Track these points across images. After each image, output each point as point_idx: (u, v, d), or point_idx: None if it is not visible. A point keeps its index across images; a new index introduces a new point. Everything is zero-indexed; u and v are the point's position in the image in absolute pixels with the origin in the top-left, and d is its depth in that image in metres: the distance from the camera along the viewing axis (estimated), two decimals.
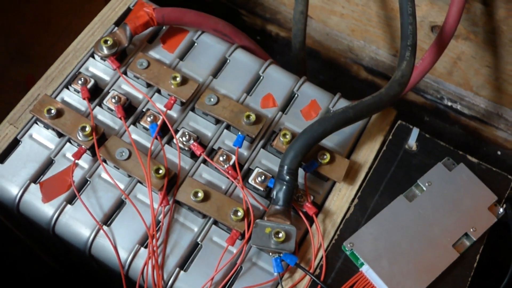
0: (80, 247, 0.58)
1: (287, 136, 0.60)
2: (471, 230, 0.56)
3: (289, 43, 1.01)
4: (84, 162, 0.61)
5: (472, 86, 0.89)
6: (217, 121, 0.63)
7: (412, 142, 0.62)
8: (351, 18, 0.91)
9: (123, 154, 0.59)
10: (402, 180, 0.60)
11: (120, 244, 0.57)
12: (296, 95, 0.66)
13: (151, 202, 0.57)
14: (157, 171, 0.57)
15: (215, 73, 0.67)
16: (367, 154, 0.62)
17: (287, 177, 0.55)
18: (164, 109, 0.62)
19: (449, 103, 0.94)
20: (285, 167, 0.56)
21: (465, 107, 0.93)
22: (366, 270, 0.54)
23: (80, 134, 0.59)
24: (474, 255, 0.56)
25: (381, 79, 0.98)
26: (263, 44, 0.76)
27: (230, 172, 0.59)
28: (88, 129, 0.59)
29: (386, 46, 0.93)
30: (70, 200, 0.59)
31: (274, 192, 0.56)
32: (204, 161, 0.61)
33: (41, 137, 0.62)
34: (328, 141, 0.62)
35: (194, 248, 0.57)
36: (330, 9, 0.91)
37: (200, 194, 0.56)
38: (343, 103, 0.65)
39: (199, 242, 0.57)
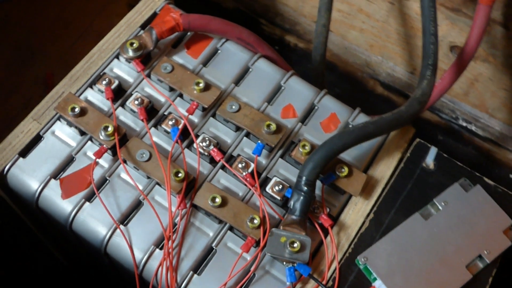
0: (96, 245, 0.59)
1: (306, 148, 0.61)
2: (485, 252, 0.56)
3: (307, 54, 1.02)
4: (105, 161, 0.62)
5: (488, 108, 0.89)
6: (237, 129, 0.64)
7: (429, 160, 0.62)
8: (370, 34, 0.91)
9: (144, 155, 0.59)
10: (418, 198, 0.60)
11: (136, 244, 0.57)
12: (316, 107, 0.66)
13: (169, 205, 0.57)
14: (176, 174, 0.58)
15: (237, 81, 0.67)
16: (384, 170, 0.63)
17: (305, 188, 0.56)
18: (186, 114, 0.63)
19: (464, 124, 0.94)
20: (304, 178, 0.56)
21: (479, 128, 0.93)
22: (378, 285, 0.54)
23: (102, 134, 0.60)
24: (486, 277, 0.56)
25: (397, 96, 0.99)
26: (281, 54, 0.77)
27: (248, 179, 0.60)
28: (110, 129, 0.60)
29: (404, 63, 0.93)
30: (89, 198, 0.60)
31: (291, 202, 0.56)
32: (223, 167, 0.62)
33: (64, 134, 0.63)
34: (347, 155, 0.63)
35: (208, 253, 0.58)
36: (350, 24, 0.92)
37: (218, 200, 0.57)
38: (362, 118, 0.66)
39: (214, 247, 0.58)
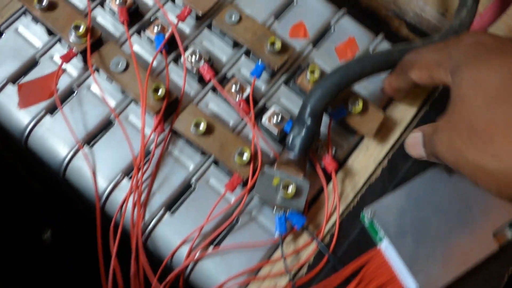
0: (54, 167, 0.49)
1: (315, 74, 0.50)
2: None
3: None
4: (74, 68, 0.52)
5: None
6: (236, 45, 0.53)
7: None
8: None
9: (120, 64, 0.49)
10: None
11: (100, 170, 0.48)
12: (332, 29, 0.55)
13: (143, 125, 0.48)
14: (156, 90, 0.48)
15: None
16: (405, 111, 0.52)
17: (309, 119, 0.46)
18: (176, 20, 0.52)
19: None
20: (308, 107, 0.46)
21: None
22: (385, 246, 0.45)
23: (73, 34, 0.49)
24: None
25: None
26: None
27: (241, 105, 0.49)
28: (82, 28, 0.49)
29: (435, 3, 0.81)
30: (51, 111, 0.50)
31: (291, 136, 0.46)
32: (214, 89, 0.52)
33: (28, 32, 0.53)
34: (362, 89, 0.52)
35: (186, 189, 0.48)
36: None
37: (203, 126, 0.47)
38: (385, 46, 0.55)
39: (193, 183, 0.48)
